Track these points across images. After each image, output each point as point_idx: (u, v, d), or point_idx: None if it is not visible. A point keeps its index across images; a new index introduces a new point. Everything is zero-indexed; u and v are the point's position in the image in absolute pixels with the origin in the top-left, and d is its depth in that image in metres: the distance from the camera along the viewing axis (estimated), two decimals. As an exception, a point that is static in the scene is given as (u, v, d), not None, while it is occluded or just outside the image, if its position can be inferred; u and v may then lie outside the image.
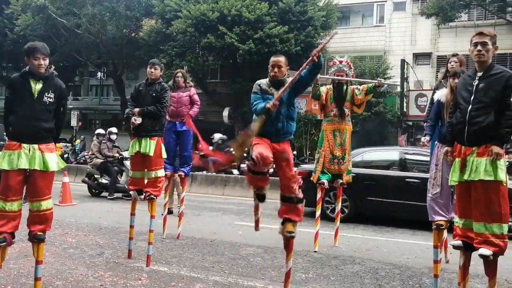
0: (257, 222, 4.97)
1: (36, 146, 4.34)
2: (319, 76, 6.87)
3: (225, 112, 23.51)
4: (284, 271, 4.70)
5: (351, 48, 23.96)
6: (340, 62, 7.13)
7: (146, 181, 6.13)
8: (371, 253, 7.06)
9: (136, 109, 5.90)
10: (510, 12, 20.91)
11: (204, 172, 15.49)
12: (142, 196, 6.08)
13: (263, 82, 4.70)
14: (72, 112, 26.75)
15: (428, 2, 21.05)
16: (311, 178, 7.20)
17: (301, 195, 4.52)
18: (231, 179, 14.59)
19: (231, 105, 22.96)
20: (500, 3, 20.23)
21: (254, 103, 4.54)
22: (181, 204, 7.89)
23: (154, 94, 5.96)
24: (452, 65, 6.10)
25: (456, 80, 5.03)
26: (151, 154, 5.90)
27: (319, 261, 6.40)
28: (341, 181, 7.18)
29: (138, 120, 5.87)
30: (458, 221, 4.34)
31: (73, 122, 26.04)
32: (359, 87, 7.21)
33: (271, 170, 4.73)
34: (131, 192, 6.22)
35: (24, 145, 4.30)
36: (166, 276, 5.45)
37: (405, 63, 21.75)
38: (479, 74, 4.22)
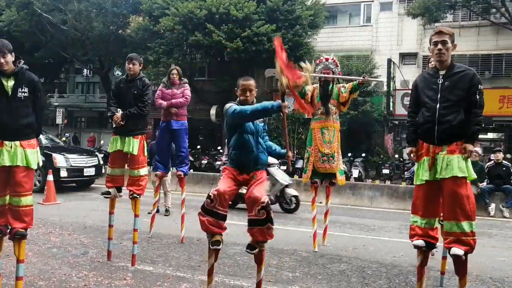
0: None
1: (17, 143, 4.31)
2: (308, 74, 6.86)
3: (213, 110, 23.42)
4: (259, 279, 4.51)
5: (338, 47, 23.99)
6: (327, 59, 7.15)
7: (126, 178, 6.00)
8: (358, 251, 7.06)
9: (119, 113, 5.75)
10: (494, 13, 21.08)
11: (191, 171, 15.39)
12: (121, 194, 5.99)
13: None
14: (57, 109, 26.48)
15: (414, 3, 21.14)
16: (303, 179, 7.25)
17: (262, 216, 4.17)
18: (218, 178, 14.52)
19: (218, 103, 22.86)
20: (485, 4, 20.40)
21: (240, 108, 4.31)
22: (182, 206, 7.60)
23: (135, 91, 5.84)
24: (433, 64, 6.13)
25: None
26: (135, 153, 5.80)
27: (306, 260, 6.39)
28: (330, 181, 7.15)
29: (123, 122, 5.76)
30: (419, 221, 4.30)
31: (59, 120, 25.75)
32: (345, 85, 7.21)
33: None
34: (110, 190, 5.96)
35: (6, 142, 4.26)
36: (152, 276, 5.40)
37: (392, 63, 21.85)
38: (442, 72, 4.22)
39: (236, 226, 7.39)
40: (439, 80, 4.20)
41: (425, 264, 4.38)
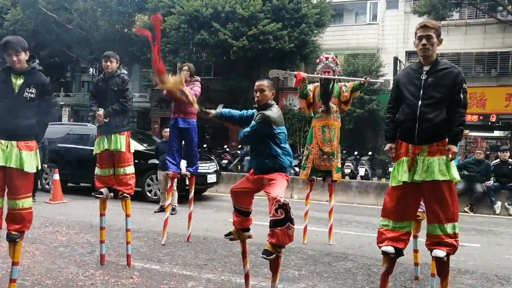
0: (246, 276, 4.80)
1: (14, 143, 4.19)
2: (306, 75, 6.97)
3: (219, 109, 23.39)
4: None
5: (345, 45, 23.95)
6: (327, 58, 7.17)
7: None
8: (363, 249, 7.06)
9: (101, 111, 5.65)
10: (500, 11, 20.96)
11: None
12: (112, 194, 5.87)
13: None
14: (63, 108, 26.59)
15: (421, 1, 21.03)
16: (300, 175, 7.30)
17: (281, 216, 4.11)
18: (225, 176, 14.54)
19: (224, 102, 22.80)
20: (491, 2, 20.26)
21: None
22: (190, 205, 7.42)
23: (115, 88, 5.74)
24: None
25: None
26: (123, 149, 5.69)
27: (312, 258, 6.39)
28: (331, 178, 7.23)
29: (106, 119, 5.67)
30: (390, 225, 4.06)
31: (65, 119, 25.88)
32: (346, 84, 7.22)
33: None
34: (102, 190, 5.76)
35: (2, 141, 4.15)
36: (158, 274, 5.41)
37: (398, 61, 21.78)
38: (426, 68, 4.04)
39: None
40: (422, 76, 4.01)
41: (391, 271, 4.17)
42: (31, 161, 4.28)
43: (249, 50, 19.21)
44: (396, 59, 21.57)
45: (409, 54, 23.62)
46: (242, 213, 4.56)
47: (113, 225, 7.77)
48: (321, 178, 7.40)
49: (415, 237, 5.32)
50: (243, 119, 4.69)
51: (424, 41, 3.99)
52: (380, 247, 4.08)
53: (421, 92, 3.98)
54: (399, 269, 5.95)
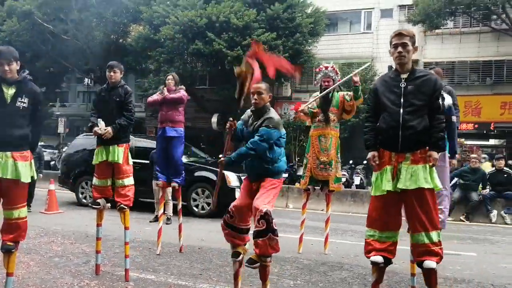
0: None
1: (9, 153, 4.19)
2: (303, 107, 7.00)
3: (214, 119, 23.45)
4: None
5: (339, 54, 24.04)
6: (326, 68, 7.17)
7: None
8: (359, 259, 7.04)
9: (108, 128, 5.51)
10: (494, 19, 21.14)
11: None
12: (109, 204, 5.80)
13: (248, 112, 4.72)
14: (59, 118, 26.54)
15: (415, 10, 21.21)
16: (299, 185, 7.29)
17: (262, 226, 4.18)
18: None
19: (219, 111, 22.89)
20: (485, 11, 20.44)
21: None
22: (179, 216, 7.40)
23: (117, 99, 5.67)
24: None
25: None
26: (121, 161, 5.61)
27: (307, 268, 6.38)
28: (328, 188, 7.17)
29: (103, 129, 5.53)
30: (377, 235, 4.06)
31: (60, 129, 25.81)
32: (349, 93, 7.21)
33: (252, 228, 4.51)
34: (99, 201, 5.70)
35: None
36: (153, 284, 5.39)
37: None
38: (404, 76, 4.04)
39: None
40: (401, 84, 4.01)
41: (381, 281, 4.16)
42: (27, 171, 4.29)
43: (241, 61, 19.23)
44: (390, 68, 21.61)
45: (403, 63, 23.69)
46: (242, 231, 4.50)
47: (109, 235, 7.74)
48: (319, 187, 7.34)
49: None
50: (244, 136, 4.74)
51: (400, 49, 4.01)
52: (368, 257, 4.06)
53: (402, 99, 3.97)
54: (395, 278, 5.95)
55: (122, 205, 5.67)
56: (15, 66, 4.26)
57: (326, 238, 7.40)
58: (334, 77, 7.10)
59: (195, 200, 11.23)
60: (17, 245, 4.33)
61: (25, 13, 23.23)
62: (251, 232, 4.50)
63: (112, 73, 5.73)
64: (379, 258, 3.98)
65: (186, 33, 19.77)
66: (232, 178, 10.95)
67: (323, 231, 7.49)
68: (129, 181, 5.77)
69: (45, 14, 23.35)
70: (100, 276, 5.60)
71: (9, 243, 4.22)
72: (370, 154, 4.16)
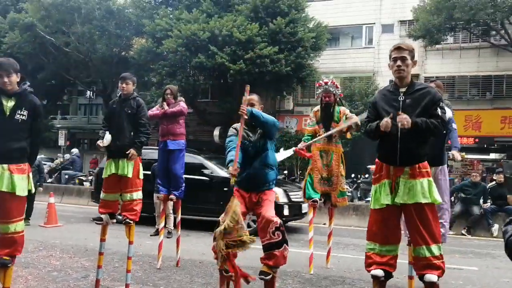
0: None
1: (6, 166, 4.15)
2: (301, 146, 6.82)
3: (216, 132, 23.47)
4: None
5: (341, 69, 24.12)
6: (326, 83, 6.99)
7: (120, 203, 5.73)
8: (361, 273, 6.97)
9: (132, 150, 5.42)
10: (494, 35, 21.26)
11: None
12: (115, 220, 5.69)
13: (236, 125, 4.69)
14: (60, 131, 26.53)
15: (415, 25, 21.33)
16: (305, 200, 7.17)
17: (278, 238, 4.29)
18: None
19: (221, 124, 22.90)
20: (485, 26, 20.57)
21: (228, 145, 4.58)
22: (177, 229, 7.35)
23: (129, 111, 5.59)
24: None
25: None
26: (130, 175, 5.50)
27: (309, 282, 6.32)
28: (330, 202, 7.04)
29: (106, 143, 5.47)
30: (377, 248, 4.03)
31: (61, 142, 25.78)
32: (348, 114, 6.99)
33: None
34: (102, 216, 5.57)
35: None
36: (153, 299, 5.34)
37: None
38: (402, 89, 4.04)
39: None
40: (400, 97, 4.01)
41: None
42: (23, 184, 4.24)
43: (246, 73, 19.32)
44: (391, 82, 21.71)
45: (404, 77, 23.77)
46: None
47: (108, 248, 7.67)
48: (322, 200, 7.12)
49: (411, 263, 5.21)
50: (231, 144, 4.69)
51: (399, 63, 4.01)
52: (368, 271, 4.03)
53: (400, 113, 3.93)
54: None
55: (128, 220, 5.54)
56: (15, 78, 4.22)
57: (329, 252, 7.32)
58: (334, 91, 6.96)
59: None
60: (14, 259, 4.28)
61: (27, 25, 23.35)
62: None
63: (124, 85, 5.65)
64: (379, 272, 3.95)
65: (188, 46, 19.85)
66: (280, 195, 10.35)
67: (325, 244, 7.42)
68: (138, 195, 5.65)
69: (47, 27, 23.47)
70: (100, 291, 5.54)
71: (5, 257, 4.15)
72: (383, 120, 3.94)
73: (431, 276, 3.85)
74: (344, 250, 8.89)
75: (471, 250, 9.46)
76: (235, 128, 4.69)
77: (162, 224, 7.40)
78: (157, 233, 9.54)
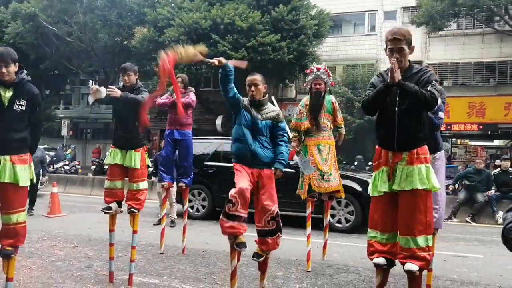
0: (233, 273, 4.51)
1: (7, 157, 4.12)
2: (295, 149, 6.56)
3: (218, 121, 23.44)
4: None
5: (343, 56, 24.02)
6: (318, 69, 6.64)
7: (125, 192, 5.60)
8: (365, 261, 6.94)
9: (118, 91, 5.19)
10: (497, 21, 21.12)
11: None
12: (122, 209, 5.56)
13: (246, 99, 4.66)
14: (63, 121, 26.55)
15: (418, 11, 21.16)
16: (298, 193, 6.70)
17: (272, 227, 4.34)
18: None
19: (224, 113, 22.89)
20: (488, 12, 20.41)
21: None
22: (184, 218, 7.31)
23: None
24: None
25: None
26: (138, 167, 5.40)
27: (313, 271, 6.31)
28: (327, 195, 6.70)
29: (102, 92, 5.11)
30: (378, 236, 3.95)
31: (64, 132, 25.82)
32: (338, 108, 6.80)
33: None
34: (111, 205, 5.45)
35: None
36: (157, 288, 5.34)
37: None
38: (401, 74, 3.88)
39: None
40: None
41: (385, 283, 4.06)
42: (25, 175, 4.22)
43: (248, 61, 19.17)
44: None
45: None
46: (244, 219, 4.32)
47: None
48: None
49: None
50: (235, 96, 4.67)
51: (396, 55, 3.85)
52: (371, 259, 3.97)
53: (398, 98, 3.85)
54: (401, 281, 5.88)
55: (133, 209, 5.45)
56: (13, 68, 4.15)
57: (325, 245, 7.04)
58: (326, 79, 6.62)
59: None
60: (16, 249, 4.26)
61: (29, 15, 23.30)
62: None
63: (126, 77, 5.46)
64: (381, 260, 3.88)
65: (190, 35, 19.77)
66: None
67: (328, 233, 7.35)
68: (144, 185, 5.55)
69: (50, 17, 23.42)
70: (103, 281, 5.53)
71: (8, 248, 4.15)
72: (391, 71, 3.81)
73: (412, 266, 3.73)
74: (348, 238, 8.87)
75: (476, 238, 9.44)
76: (243, 100, 4.69)
77: (164, 211, 7.45)
78: (159, 222, 9.55)
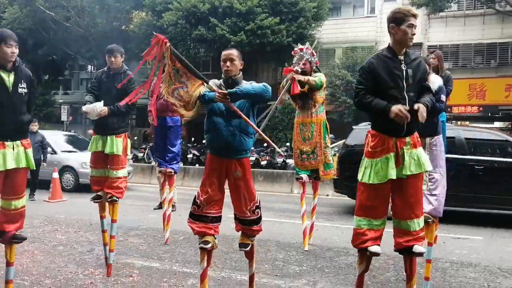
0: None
1: (19, 142, 4.12)
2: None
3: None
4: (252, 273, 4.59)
5: (343, 38, 23.89)
6: (301, 49, 6.56)
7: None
8: (365, 244, 7.00)
9: (105, 108, 5.12)
10: (499, 1, 20.92)
11: (197, 166, 15.29)
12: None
13: (215, 81, 4.23)
14: (62, 106, 26.46)
15: (419, -8, 20.98)
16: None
17: (255, 217, 4.19)
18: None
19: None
20: (490, -8, 20.25)
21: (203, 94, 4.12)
22: (169, 205, 7.03)
23: (120, 87, 5.14)
24: (431, 61, 5.88)
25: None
26: (120, 153, 5.27)
27: (313, 253, 6.35)
28: (314, 175, 6.70)
29: (98, 114, 5.13)
30: (373, 223, 3.85)
31: (64, 117, 25.74)
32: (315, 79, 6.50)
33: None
34: (100, 193, 5.37)
35: (7, 143, 4.05)
36: (158, 272, 5.38)
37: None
38: (401, 57, 3.82)
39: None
40: (403, 66, 3.80)
41: (367, 270, 4.04)
42: (32, 158, 4.27)
43: (247, 45, 19.15)
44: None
45: (407, 46, 23.53)
46: (213, 220, 4.18)
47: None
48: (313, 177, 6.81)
49: (430, 244, 4.87)
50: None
51: (414, 31, 3.80)
52: (363, 247, 3.86)
53: (404, 83, 3.79)
54: (401, 264, 5.90)
55: (114, 197, 5.28)
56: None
57: (311, 227, 6.92)
58: (310, 59, 6.53)
59: None
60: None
61: (27, 0, 23.11)
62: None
63: (113, 58, 5.31)
64: (378, 248, 3.84)
65: (189, 19, 19.66)
66: None
67: (328, 216, 7.41)
68: (123, 172, 5.40)
69: (47, 1, 23.26)
70: (105, 264, 5.55)
71: (17, 232, 4.18)
72: (395, 108, 3.64)
73: (420, 247, 3.78)
74: (347, 221, 8.89)
75: (476, 220, 9.47)
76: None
77: (164, 196, 7.38)
78: (160, 206, 9.58)
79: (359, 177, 3.89)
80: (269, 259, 6.00)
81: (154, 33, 4.29)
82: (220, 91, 3.99)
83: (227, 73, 4.18)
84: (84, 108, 5.21)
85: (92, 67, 32.55)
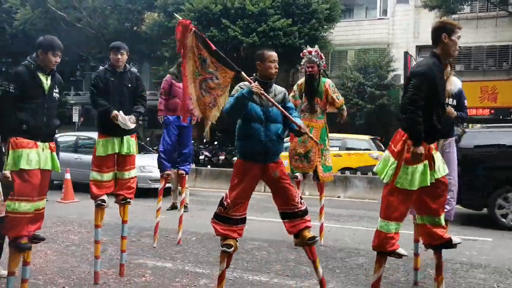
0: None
1: (47, 144, 4.28)
2: None
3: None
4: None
5: (355, 40, 23.82)
6: (310, 52, 6.68)
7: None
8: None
9: (133, 117, 5.01)
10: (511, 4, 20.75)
11: (209, 167, 15.32)
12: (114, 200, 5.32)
13: (245, 84, 4.18)
14: (73, 107, 26.63)
15: (431, -6, 20.89)
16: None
17: (304, 207, 4.23)
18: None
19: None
20: (503, -5, 20.09)
21: (225, 108, 4.13)
22: (181, 206, 7.06)
23: (129, 85, 5.13)
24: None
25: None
26: (135, 153, 5.22)
27: (324, 254, 6.35)
28: (313, 176, 6.82)
29: (132, 120, 5.02)
30: (399, 227, 3.95)
31: (75, 118, 25.89)
32: (335, 90, 6.78)
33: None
34: (104, 198, 5.08)
35: (39, 143, 4.19)
36: (171, 272, 5.41)
37: (408, 56, 21.64)
38: (442, 66, 4.04)
39: (253, 221, 7.36)
40: (445, 77, 4.08)
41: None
42: (58, 161, 4.43)
43: (259, 46, 19.14)
44: (406, 54, 21.41)
45: (419, 48, 23.45)
46: (238, 221, 4.24)
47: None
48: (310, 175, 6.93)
49: (417, 241, 5.14)
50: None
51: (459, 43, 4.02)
52: (392, 250, 3.95)
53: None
54: (411, 265, 5.89)
55: (128, 199, 5.20)
56: None
57: (321, 228, 6.94)
58: (318, 62, 6.66)
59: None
60: None
61: (39, 1, 23.38)
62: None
63: (119, 56, 5.06)
64: (404, 251, 3.98)
65: (201, 20, 19.69)
66: None
67: (340, 217, 7.40)
68: (135, 172, 5.35)
69: (59, 2, 23.43)
70: (117, 264, 5.55)
71: (36, 233, 4.32)
72: (421, 149, 3.76)
73: (456, 238, 3.99)
74: (358, 222, 8.89)
75: (485, 221, 9.41)
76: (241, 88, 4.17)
77: (181, 196, 7.22)
78: (173, 207, 9.63)
79: (396, 182, 3.88)
80: (281, 260, 6.02)
81: (178, 18, 4.25)
82: (256, 84, 4.02)
83: (273, 75, 4.21)
84: (120, 123, 4.94)
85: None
